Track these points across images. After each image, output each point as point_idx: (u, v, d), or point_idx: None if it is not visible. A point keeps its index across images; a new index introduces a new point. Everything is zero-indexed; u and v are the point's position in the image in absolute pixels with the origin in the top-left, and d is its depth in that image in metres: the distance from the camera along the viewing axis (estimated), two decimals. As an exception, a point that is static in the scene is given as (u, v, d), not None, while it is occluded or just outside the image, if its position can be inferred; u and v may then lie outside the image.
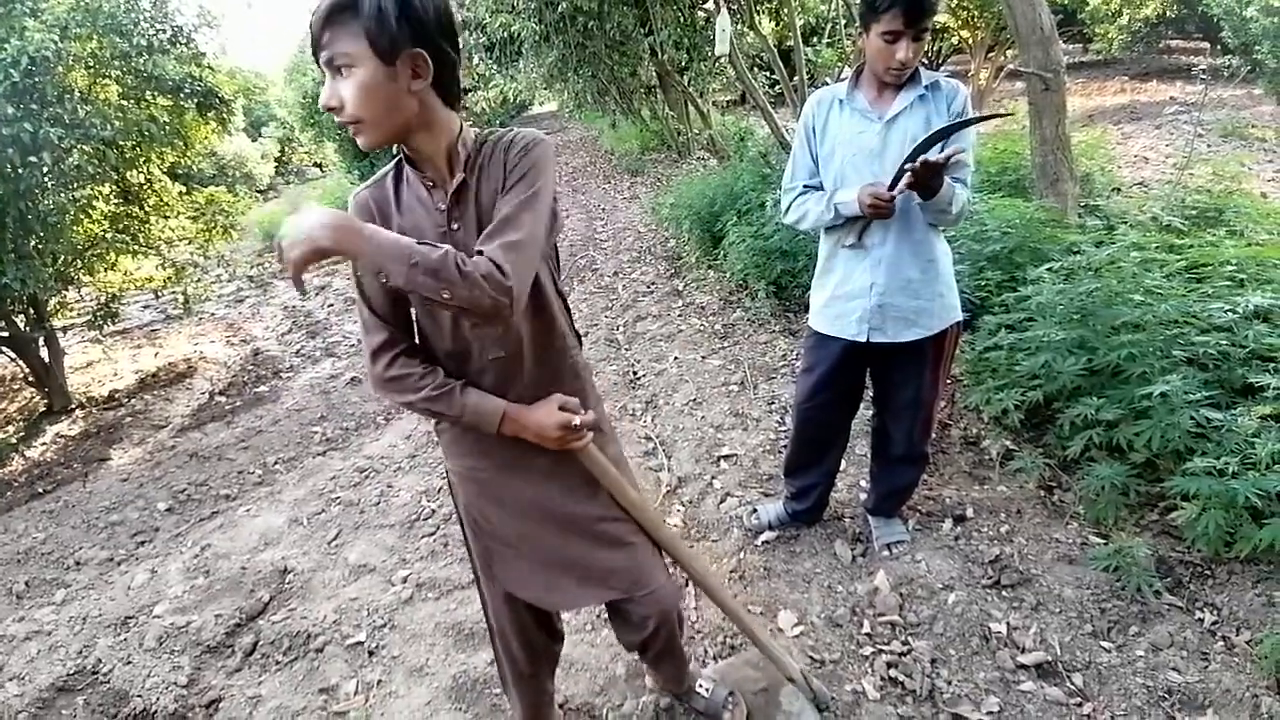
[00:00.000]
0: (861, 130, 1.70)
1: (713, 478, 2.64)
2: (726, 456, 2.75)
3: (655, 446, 2.95)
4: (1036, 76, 3.17)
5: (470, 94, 12.76)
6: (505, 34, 8.46)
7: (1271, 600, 1.69)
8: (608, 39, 8.63)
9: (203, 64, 5.16)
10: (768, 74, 8.57)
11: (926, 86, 1.66)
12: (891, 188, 1.60)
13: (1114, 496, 1.94)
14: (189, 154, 5.64)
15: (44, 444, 4.65)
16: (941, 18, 12.78)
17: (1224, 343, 2.01)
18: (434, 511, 2.85)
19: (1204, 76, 3.77)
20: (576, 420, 1.16)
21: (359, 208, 1.10)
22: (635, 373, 3.71)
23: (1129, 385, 1.99)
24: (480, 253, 0.96)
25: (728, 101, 13.24)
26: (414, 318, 1.17)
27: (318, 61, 0.96)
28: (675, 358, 3.76)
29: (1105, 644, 1.67)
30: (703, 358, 3.69)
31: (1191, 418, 1.82)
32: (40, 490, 3.98)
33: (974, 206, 3.14)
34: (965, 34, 12.39)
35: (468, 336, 1.14)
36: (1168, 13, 12.59)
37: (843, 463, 2.47)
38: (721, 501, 2.49)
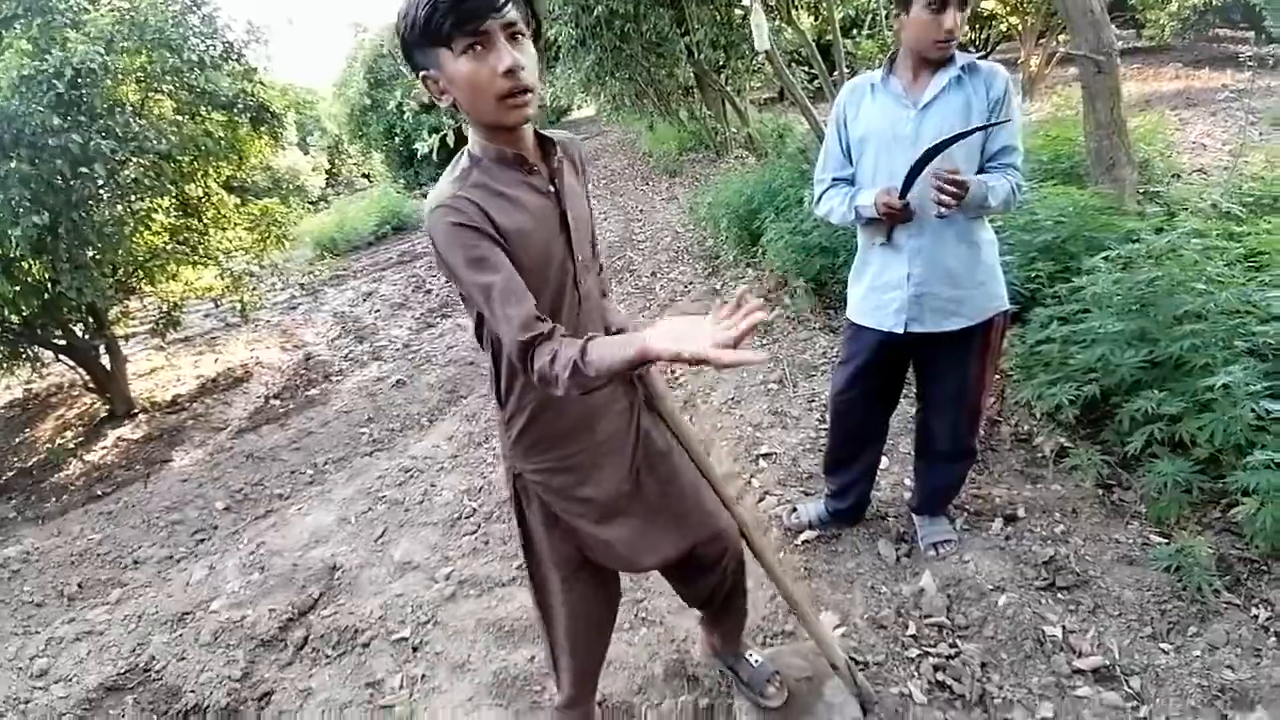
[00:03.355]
0: (895, 117, 1.66)
1: (751, 476, 2.61)
2: (765, 455, 2.72)
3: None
4: (1089, 60, 3.04)
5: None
6: (542, 41, 8.58)
7: None
8: (644, 41, 8.65)
9: (254, 79, 5.36)
10: (806, 69, 8.45)
11: (963, 68, 1.61)
12: (903, 195, 1.56)
13: (1177, 494, 1.84)
14: (244, 167, 5.85)
15: (104, 448, 4.87)
16: (989, 3, 12.43)
17: (1285, 331, 1.89)
18: (475, 510, 2.90)
19: (1251, 64, 3.57)
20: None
21: (471, 215, 1.04)
22: (674, 372, 3.70)
23: (1191, 378, 1.89)
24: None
25: (765, 99, 13.10)
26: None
27: (475, 26, 0.95)
28: (714, 357, 3.73)
29: (1164, 645, 1.60)
30: (741, 356, 3.64)
31: (1252, 409, 1.71)
32: (99, 493, 4.14)
33: (1025, 195, 3.04)
34: (1014, 20, 11.98)
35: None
36: (1214, 1, 11.96)
37: (886, 460, 2.42)
38: (760, 500, 2.46)
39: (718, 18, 8.45)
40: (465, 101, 1.02)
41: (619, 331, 1.33)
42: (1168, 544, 1.80)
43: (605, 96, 12.11)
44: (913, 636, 1.77)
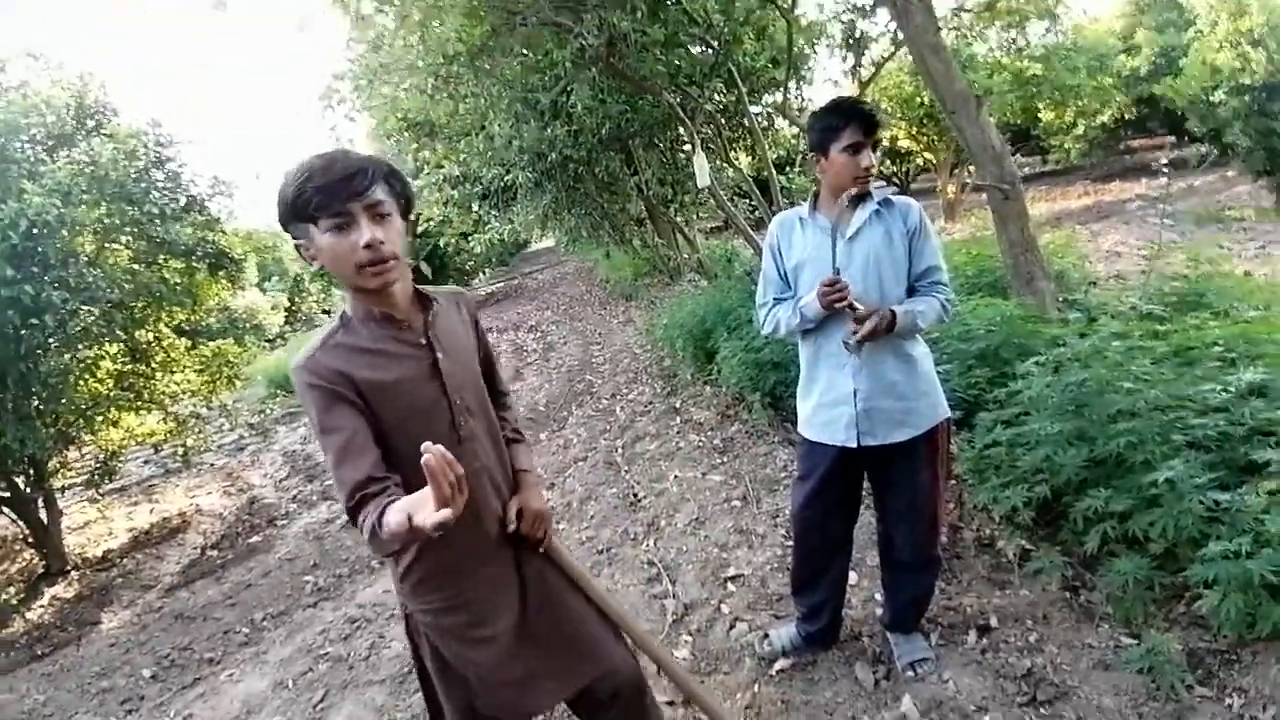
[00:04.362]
0: (824, 247, 1.78)
1: (720, 602, 2.50)
2: (733, 577, 2.62)
3: (659, 572, 2.81)
4: (995, 188, 3.37)
5: (470, 237, 13.56)
6: (500, 183, 9.13)
7: None
8: (597, 181, 9.30)
9: (215, 229, 5.50)
10: (747, 201, 9.14)
11: (880, 203, 1.77)
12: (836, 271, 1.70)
13: (1139, 592, 1.82)
14: (198, 310, 5.84)
15: (41, 606, 4.49)
16: (905, 141, 13.89)
17: (1222, 423, 1.98)
18: None
19: (1165, 170, 3.92)
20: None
21: (324, 375, 1.13)
22: (636, 494, 3.63)
23: (1134, 474, 1.94)
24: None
25: (712, 227, 14.00)
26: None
27: (336, 209, 1.08)
28: (675, 476, 3.69)
29: (1152, 755, 1.51)
30: (703, 474, 3.62)
31: (1200, 502, 1.75)
32: (39, 652, 3.85)
33: (956, 308, 3.23)
34: (929, 155, 13.38)
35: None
36: (1125, 116, 13.65)
37: (855, 575, 2.36)
38: (731, 628, 2.33)
39: (664, 159, 9.20)
40: (330, 266, 1.13)
41: (519, 474, 1.39)
42: (1138, 644, 1.76)
43: (563, 230, 12.77)
44: (900, 772, 1.64)
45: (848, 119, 1.67)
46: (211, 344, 6.03)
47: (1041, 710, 1.69)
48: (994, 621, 2.02)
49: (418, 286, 1.27)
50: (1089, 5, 13.26)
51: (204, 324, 6.08)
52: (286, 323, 18.66)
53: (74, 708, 3.12)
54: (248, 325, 6.93)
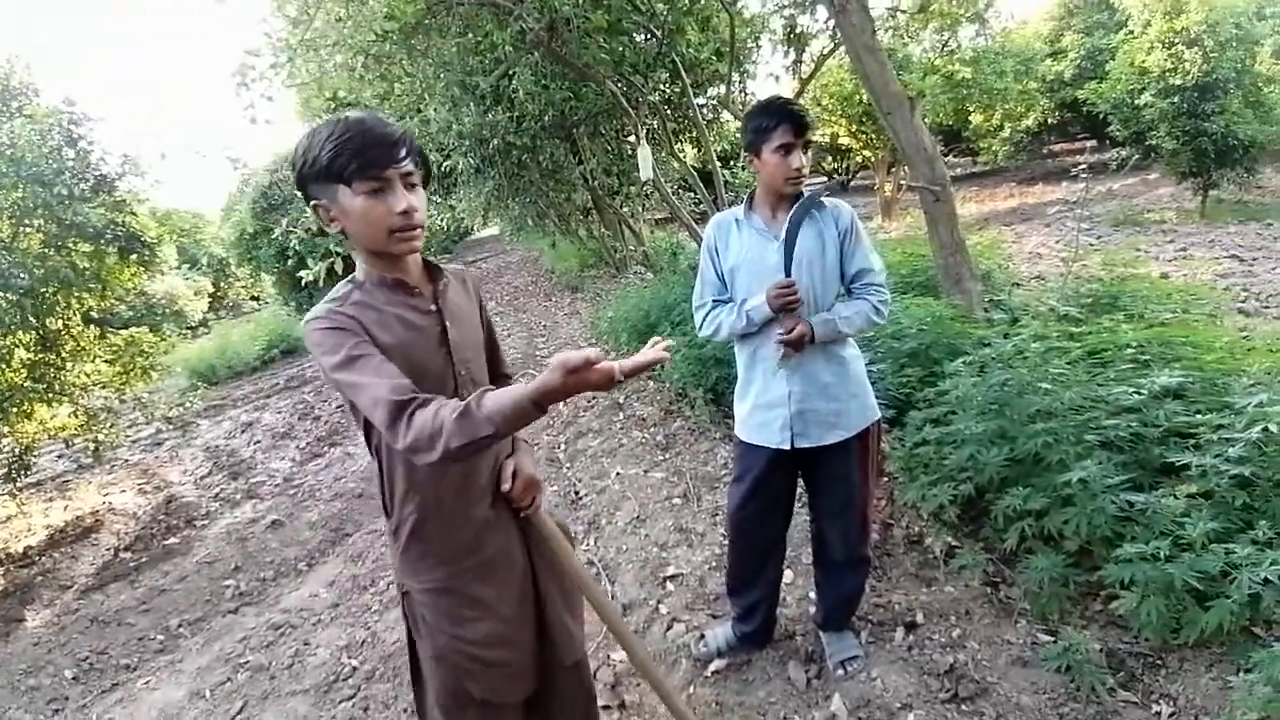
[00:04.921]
0: (762, 249, 1.79)
1: (659, 602, 2.49)
2: (672, 577, 2.62)
3: (599, 571, 2.79)
4: (927, 190, 3.45)
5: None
6: (438, 169, 8.84)
7: (1227, 684, 1.63)
8: (541, 169, 9.12)
9: (125, 210, 5.13)
10: (692, 195, 9.17)
11: (813, 206, 1.77)
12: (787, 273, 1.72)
13: (1055, 589, 1.91)
14: (108, 297, 5.45)
15: None
16: (846, 139, 14.20)
17: (1135, 424, 2.07)
18: (355, 669, 2.57)
19: (1085, 175, 4.08)
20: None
21: (342, 321, 1.11)
22: (577, 492, 3.58)
23: (1050, 472, 2.02)
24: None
25: (659, 219, 14.01)
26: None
27: (374, 173, 1.07)
28: (617, 473, 3.67)
29: (1070, 755, 1.58)
30: (645, 471, 3.61)
31: (1114, 502, 1.83)
32: None
33: (890, 307, 3.31)
34: (868, 153, 13.71)
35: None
36: (1049, 120, 14.30)
37: (790, 574, 2.39)
38: (668, 628, 2.33)
39: (609, 149, 9.10)
40: (356, 231, 1.12)
41: (514, 440, 1.38)
42: (1055, 641, 1.83)
43: (507, 218, 12.51)
44: (829, 771, 1.67)
45: (778, 120, 1.67)
46: (124, 332, 5.63)
47: (963, 707, 1.75)
48: (920, 618, 2.09)
49: (426, 258, 1.27)
50: (1018, 9, 13.75)
51: (115, 311, 5.67)
52: (211, 309, 17.69)
53: (4, 703, 3.01)
54: (167, 312, 6.52)
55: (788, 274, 1.70)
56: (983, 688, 1.78)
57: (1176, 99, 7.84)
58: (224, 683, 2.71)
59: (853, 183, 17.21)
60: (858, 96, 12.03)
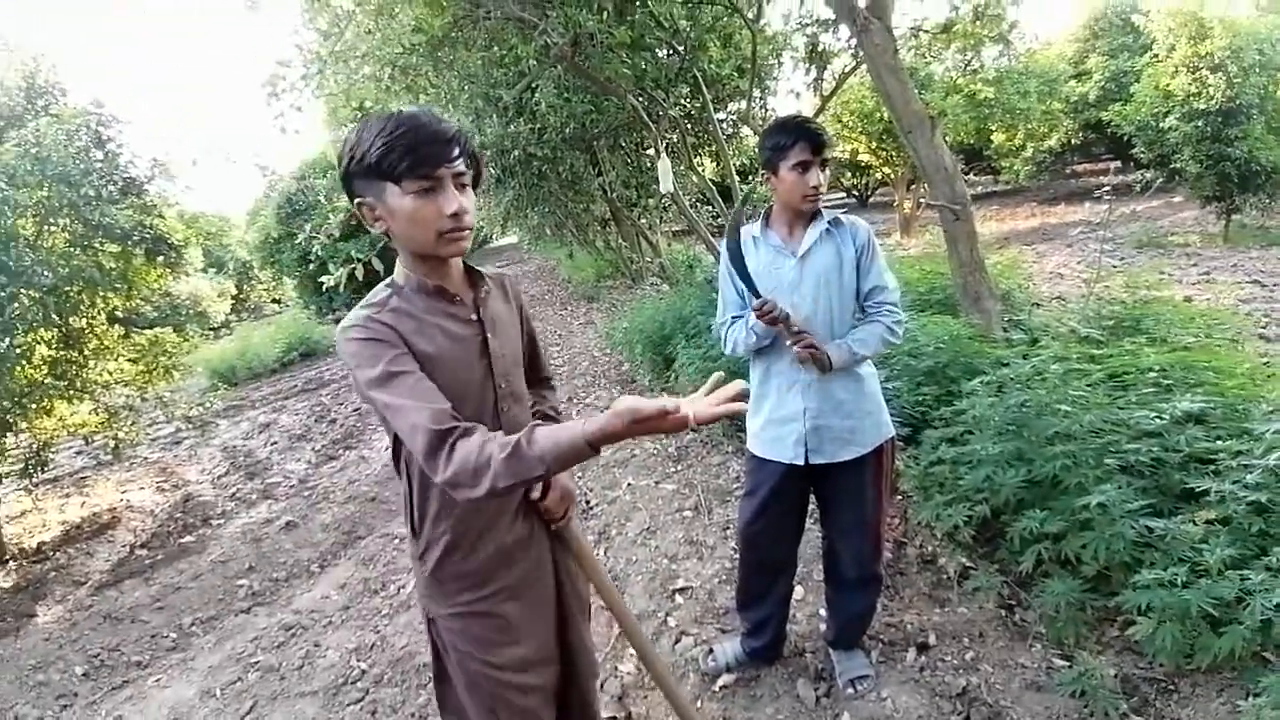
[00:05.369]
0: (779, 265, 1.79)
1: (667, 614, 2.48)
2: (681, 590, 2.61)
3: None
4: (946, 209, 3.44)
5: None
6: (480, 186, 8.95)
7: (1236, 709, 1.59)
8: (561, 180, 9.21)
9: (153, 213, 5.24)
10: (710, 208, 9.20)
11: (830, 223, 1.78)
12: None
13: (1072, 614, 1.88)
14: (133, 297, 5.56)
15: None
16: (865, 156, 14.20)
17: (1155, 449, 2.04)
18: (364, 672, 2.59)
19: (1109, 196, 4.03)
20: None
21: (379, 331, 1.07)
22: (588, 501, 3.59)
23: (1068, 496, 1.99)
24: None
25: (676, 231, 14.08)
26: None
27: (426, 172, 1.03)
28: (628, 484, 3.67)
29: (1084, 782, 1.54)
30: (656, 482, 3.61)
31: (1133, 527, 1.80)
32: None
33: (909, 324, 3.29)
34: (887, 170, 13.69)
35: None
36: (1072, 140, 14.20)
37: (801, 590, 2.38)
38: (677, 641, 2.32)
39: (629, 161, 9.17)
40: (402, 232, 1.07)
41: None
42: (1070, 667, 1.80)
43: (526, 227, 12.61)
44: (836, 792, 1.65)
45: (795, 138, 1.68)
46: (148, 332, 5.74)
47: (974, 730, 1.72)
48: (933, 639, 2.06)
49: (467, 263, 1.23)
50: (1042, 30, 13.77)
51: (140, 311, 5.78)
52: (233, 311, 17.99)
53: (13, 699, 3.03)
54: (190, 313, 6.64)
55: (756, 295, 1.71)
56: (995, 711, 1.75)
57: (1200, 123, 7.77)
58: (234, 682, 2.74)
59: (871, 199, 17.19)
60: (878, 114, 12.03)
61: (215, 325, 14.78)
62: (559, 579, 1.33)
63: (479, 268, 1.24)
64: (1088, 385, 2.34)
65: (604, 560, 2.98)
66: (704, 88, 6.29)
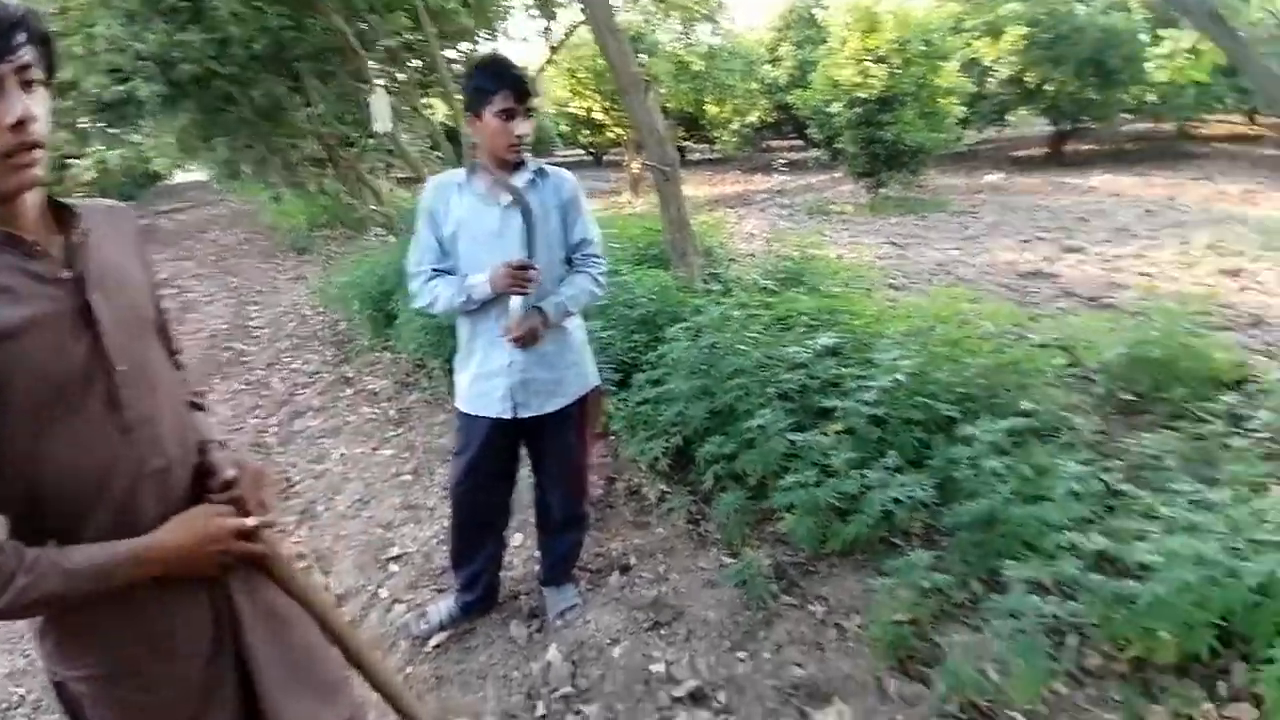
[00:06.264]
0: (483, 214, 1.73)
1: (379, 585, 2.35)
2: (396, 558, 2.48)
3: (311, 564, 2.52)
4: (657, 169, 3.68)
5: (73, 161, 10.38)
6: (112, 95, 7.11)
7: (869, 586, 1.95)
8: (256, 108, 7.84)
9: None
10: (439, 155, 8.67)
11: (535, 172, 1.76)
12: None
13: (739, 519, 2.21)
14: None
15: None
16: (599, 115, 14.63)
17: (803, 377, 2.47)
18: (23, 698, 2.05)
19: (784, 169, 4.77)
20: (249, 522, 0.92)
21: None
22: (289, 479, 3.19)
23: (740, 421, 2.32)
24: None
25: (404, 179, 13.06)
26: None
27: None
28: (340, 454, 3.35)
29: (740, 654, 1.83)
30: (373, 449, 3.36)
31: (783, 442, 2.17)
32: None
33: (624, 276, 3.49)
34: (620, 131, 14.29)
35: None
36: (766, 118, 16.25)
37: (518, 536, 2.42)
38: (388, 610, 2.21)
39: (345, 95, 8.15)
40: None
41: (204, 449, 0.99)
42: (736, 562, 2.13)
43: (214, 161, 10.59)
44: (542, 717, 1.73)
45: (500, 84, 1.61)
46: None
47: (662, 631, 1.94)
48: (633, 560, 2.26)
49: (53, 197, 0.87)
50: (747, 16, 15.43)
51: None
52: None
53: None
54: None
55: (531, 254, 1.66)
56: (679, 611, 2.00)
57: (860, 109, 9.39)
58: None
59: (606, 158, 17.84)
60: (610, 74, 12.43)
61: None
62: (226, 619, 0.97)
63: (69, 201, 0.90)
64: (760, 327, 2.74)
65: (306, 540, 2.69)
66: (425, 19, 5.81)
